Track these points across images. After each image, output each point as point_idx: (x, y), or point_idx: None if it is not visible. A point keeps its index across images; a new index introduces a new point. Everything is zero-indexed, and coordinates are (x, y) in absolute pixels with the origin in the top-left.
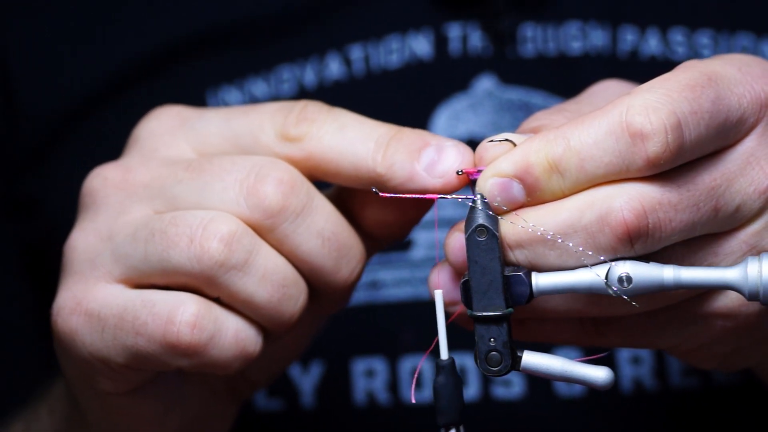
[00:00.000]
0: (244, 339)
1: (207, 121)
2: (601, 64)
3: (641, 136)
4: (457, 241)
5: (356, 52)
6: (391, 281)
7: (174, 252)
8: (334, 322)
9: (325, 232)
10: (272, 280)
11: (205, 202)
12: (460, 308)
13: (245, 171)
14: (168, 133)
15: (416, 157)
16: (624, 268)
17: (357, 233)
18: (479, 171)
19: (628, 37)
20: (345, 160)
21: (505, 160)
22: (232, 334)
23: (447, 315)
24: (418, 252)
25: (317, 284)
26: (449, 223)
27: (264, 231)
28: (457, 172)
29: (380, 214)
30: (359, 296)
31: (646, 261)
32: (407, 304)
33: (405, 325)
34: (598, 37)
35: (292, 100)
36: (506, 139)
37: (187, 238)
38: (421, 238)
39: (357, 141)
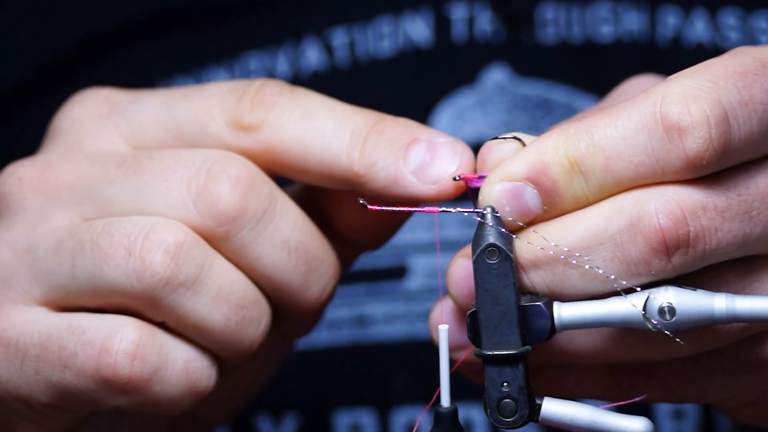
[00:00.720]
0: (195, 371)
1: (142, 106)
2: (636, 53)
3: (678, 130)
4: (461, 270)
5: (339, 37)
6: (382, 316)
7: (108, 267)
8: (313, 366)
9: (292, 242)
10: (228, 301)
11: (146, 206)
12: (466, 353)
13: (193, 167)
14: (95, 122)
15: (402, 155)
16: (666, 296)
17: (329, 241)
18: (481, 177)
19: (670, 21)
20: (313, 155)
21: (515, 160)
22: (181, 366)
23: (451, 361)
24: (414, 281)
25: (282, 304)
26: (453, 246)
27: (218, 241)
28: (454, 179)
29: (358, 217)
30: (343, 335)
31: (693, 288)
32: (401, 344)
33: (398, 369)
34: (632, 21)
35: None
36: (515, 137)
37: (124, 250)
38: (419, 263)
39: (328, 131)
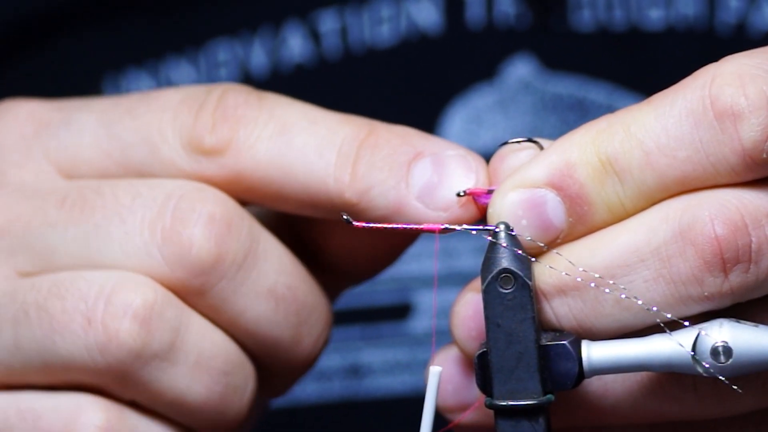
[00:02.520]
0: None
1: (77, 126)
2: (691, 43)
3: (732, 116)
4: (469, 308)
5: (328, 22)
6: (381, 365)
7: (63, 339)
8: (298, 426)
9: (279, 288)
10: (210, 368)
11: (99, 257)
12: (470, 409)
13: (156, 206)
14: (19, 146)
15: (404, 175)
16: (720, 333)
17: (316, 275)
18: (491, 192)
19: (733, 4)
20: (293, 180)
21: (533, 163)
22: None
23: (444, 421)
24: (419, 321)
25: (268, 362)
26: (467, 280)
27: (192, 295)
28: (458, 194)
29: (349, 240)
30: (334, 387)
31: (754, 324)
32: (404, 399)
33: (401, 430)
34: (687, 4)
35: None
36: (531, 140)
37: (81, 317)
38: (425, 300)
39: (309, 150)
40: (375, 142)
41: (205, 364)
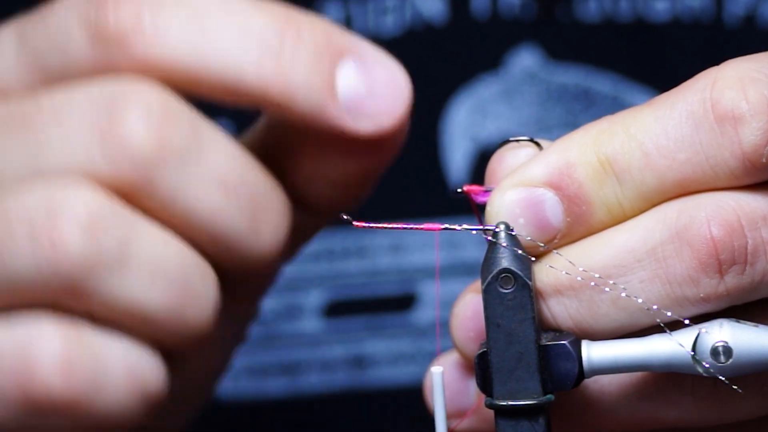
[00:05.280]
0: (141, 372)
1: (1, 46)
2: (697, 35)
3: (732, 120)
4: (468, 309)
5: (332, 12)
6: (385, 356)
7: (9, 257)
8: (300, 416)
9: (229, 179)
10: (166, 273)
11: (41, 165)
12: (471, 410)
13: (93, 106)
14: None
15: (329, 78)
16: (720, 333)
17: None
18: (488, 191)
19: None
20: (209, 71)
21: (533, 162)
22: (123, 369)
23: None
24: (424, 312)
25: (228, 260)
26: (471, 270)
27: (139, 194)
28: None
29: (320, 166)
30: (337, 378)
31: (754, 324)
32: (408, 390)
33: (404, 421)
34: None
35: None
36: (531, 140)
37: (24, 232)
38: (430, 291)
39: (226, 39)
40: (297, 33)
41: (159, 270)
